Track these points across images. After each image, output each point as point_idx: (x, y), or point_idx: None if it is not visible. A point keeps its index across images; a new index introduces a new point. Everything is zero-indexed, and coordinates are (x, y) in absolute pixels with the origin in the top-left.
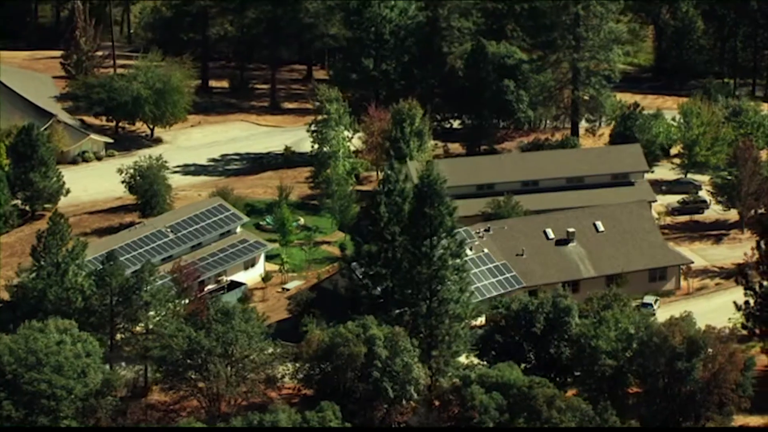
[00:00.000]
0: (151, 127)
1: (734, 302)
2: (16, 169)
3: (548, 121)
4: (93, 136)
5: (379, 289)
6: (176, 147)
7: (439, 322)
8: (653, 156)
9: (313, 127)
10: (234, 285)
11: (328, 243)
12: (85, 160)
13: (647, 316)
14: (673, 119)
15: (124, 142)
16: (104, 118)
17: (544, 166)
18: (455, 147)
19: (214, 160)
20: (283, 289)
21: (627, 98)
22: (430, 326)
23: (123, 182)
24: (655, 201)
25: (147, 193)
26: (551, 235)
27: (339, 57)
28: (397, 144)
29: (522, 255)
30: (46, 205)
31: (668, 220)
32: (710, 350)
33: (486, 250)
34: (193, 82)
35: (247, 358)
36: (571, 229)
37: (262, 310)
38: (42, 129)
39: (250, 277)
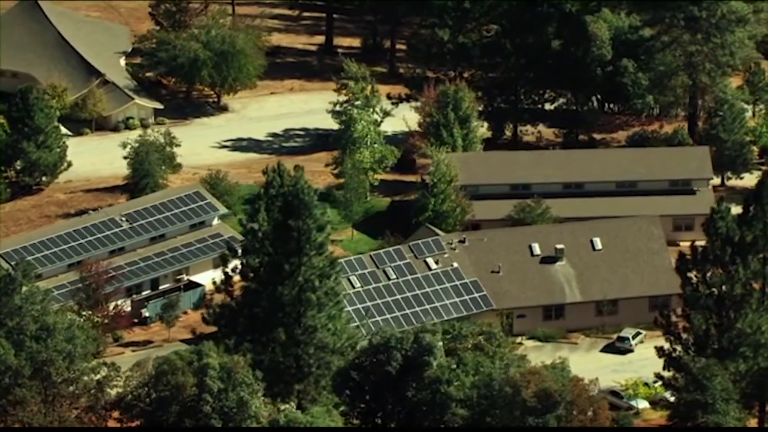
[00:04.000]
0: (217, 93)
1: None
2: (9, 137)
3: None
4: (138, 100)
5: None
6: (241, 117)
7: (304, 352)
8: (742, 159)
9: (337, 108)
10: (192, 286)
11: (333, 242)
12: (128, 128)
13: (519, 360)
14: None
15: (183, 109)
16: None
17: (592, 167)
18: (548, 133)
19: (274, 135)
20: None
21: None
22: (295, 356)
23: (125, 158)
24: None
25: (137, 173)
26: (537, 250)
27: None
28: (438, 131)
29: (498, 272)
30: (45, 179)
31: None
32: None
33: (455, 265)
34: (264, 45)
35: (65, 382)
36: (560, 246)
37: None
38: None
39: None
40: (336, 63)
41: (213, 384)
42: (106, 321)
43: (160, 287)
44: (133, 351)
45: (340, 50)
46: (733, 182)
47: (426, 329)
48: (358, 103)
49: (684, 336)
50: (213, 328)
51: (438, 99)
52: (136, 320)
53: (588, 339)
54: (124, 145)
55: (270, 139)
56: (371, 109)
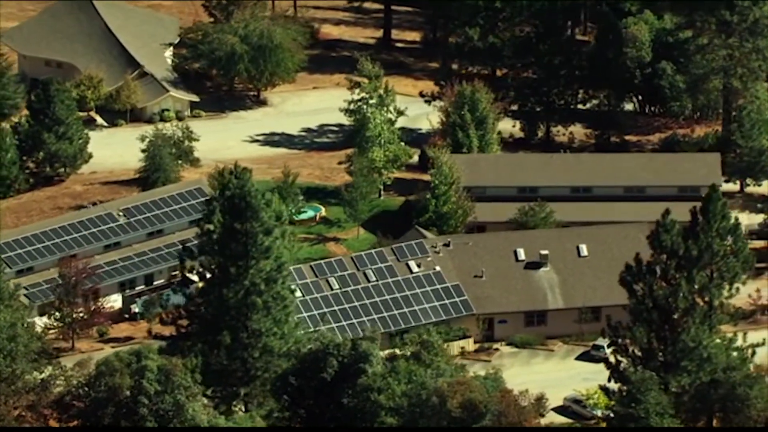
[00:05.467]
0: (257, 87)
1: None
2: (31, 128)
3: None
4: (174, 92)
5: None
6: (278, 111)
7: (250, 356)
8: (761, 166)
9: (351, 107)
10: (188, 282)
11: (337, 240)
12: (163, 120)
13: (456, 369)
14: None
15: (221, 102)
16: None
17: (601, 172)
18: (580, 134)
19: (308, 130)
20: None
21: None
22: (242, 360)
23: (143, 151)
24: None
25: (150, 166)
26: (522, 256)
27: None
28: (454, 132)
29: (481, 277)
30: (65, 170)
31: None
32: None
33: (438, 268)
34: (304, 40)
35: (5, 380)
36: (544, 252)
37: None
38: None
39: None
40: (392, 57)
41: (150, 386)
42: (84, 317)
43: (155, 283)
44: (113, 347)
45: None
46: (752, 189)
47: (365, 336)
48: (372, 101)
49: (631, 348)
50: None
51: (455, 99)
52: (126, 315)
53: (565, 346)
54: (142, 138)
55: (303, 134)
56: (385, 108)
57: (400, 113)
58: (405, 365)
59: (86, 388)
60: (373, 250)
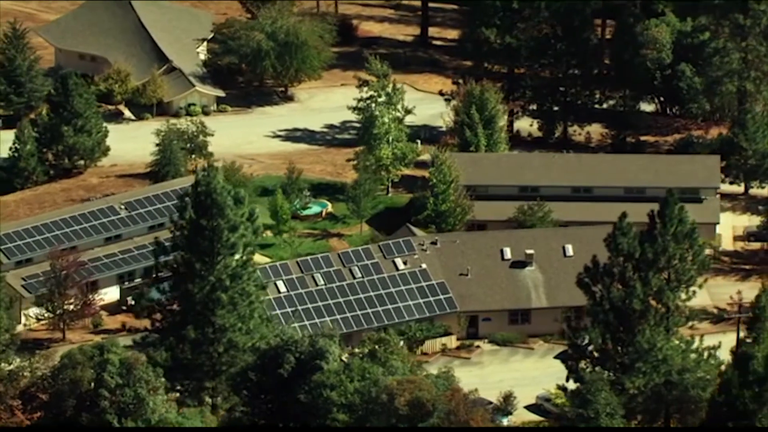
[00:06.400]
0: (284, 83)
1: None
2: (50, 121)
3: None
4: (199, 87)
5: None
6: (304, 108)
7: (215, 351)
8: (764, 169)
9: (359, 105)
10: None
11: (340, 236)
12: (189, 114)
13: (413, 368)
14: None
15: (248, 98)
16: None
17: (601, 172)
18: (597, 134)
19: (330, 126)
20: None
21: None
22: (207, 354)
23: (157, 145)
24: (718, 223)
25: (160, 160)
26: (508, 255)
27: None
28: (462, 131)
29: (466, 275)
30: (82, 162)
31: (740, 246)
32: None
33: (424, 266)
34: (330, 38)
35: None
36: (529, 251)
37: None
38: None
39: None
40: (427, 55)
41: (111, 380)
42: (73, 309)
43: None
44: (103, 338)
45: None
46: (756, 191)
47: (324, 333)
48: (381, 99)
49: (589, 349)
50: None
51: (464, 98)
52: (124, 308)
53: (546, 345)
54: (157, 133)
55: (325, 130)
56: (393, 107)
57: (407, 112)
58: (359, 363)
59: (51, 380)
60: (360, 247)
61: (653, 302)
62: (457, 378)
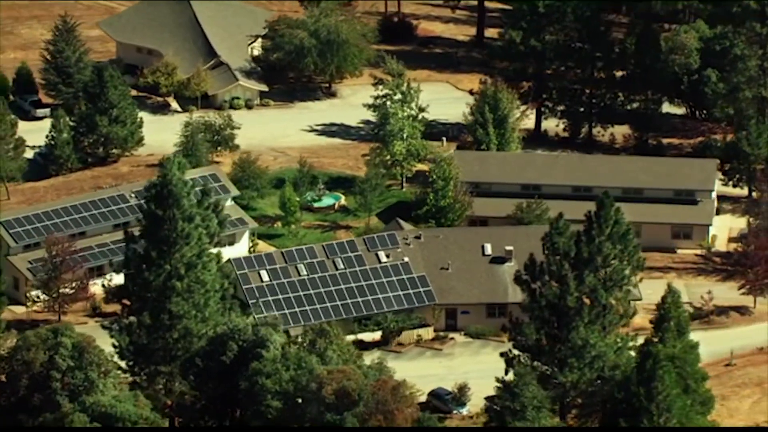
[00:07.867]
0: (326, 79)
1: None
2: (86, 111)
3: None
4: (243, 82)
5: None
6: (345, 104)
7: (170, 337)
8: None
9: (376, 102)
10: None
11: (348, 228)
12: (233, 107)
13: (350, 359)
14: None
15: (293, 93)
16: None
17: (601, 173)
18: (620, 135)
19: (366, 122)
20: None
21: None
22: (162, 340)
23: (184, 136)
24: (711, 225)
25: (182, 151)
26: (488, 251)
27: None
28: (475, 130)
29: (447, 269)
30: (115, 151)
31: (732, 247)
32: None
33: (406, 259)
34: (372, 37)
35: None
36: (509, 247)
37: None
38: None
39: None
40: (481, 56)
41: (62, 362)
42: (69, 292)
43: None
44: (96, 321)
45: (485, 41)
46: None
47: (266, 322)
48: (397, 98)
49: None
50: None
51: (479, 98)
52: None
53: None
54: (186, 124)
55: (360, 125)
56: (407, 105)
57: (422, 110)
58: (295, 352)
59: (6, 362)
60: (344, 240)
61: (587, 300)
62: (391, 369)
